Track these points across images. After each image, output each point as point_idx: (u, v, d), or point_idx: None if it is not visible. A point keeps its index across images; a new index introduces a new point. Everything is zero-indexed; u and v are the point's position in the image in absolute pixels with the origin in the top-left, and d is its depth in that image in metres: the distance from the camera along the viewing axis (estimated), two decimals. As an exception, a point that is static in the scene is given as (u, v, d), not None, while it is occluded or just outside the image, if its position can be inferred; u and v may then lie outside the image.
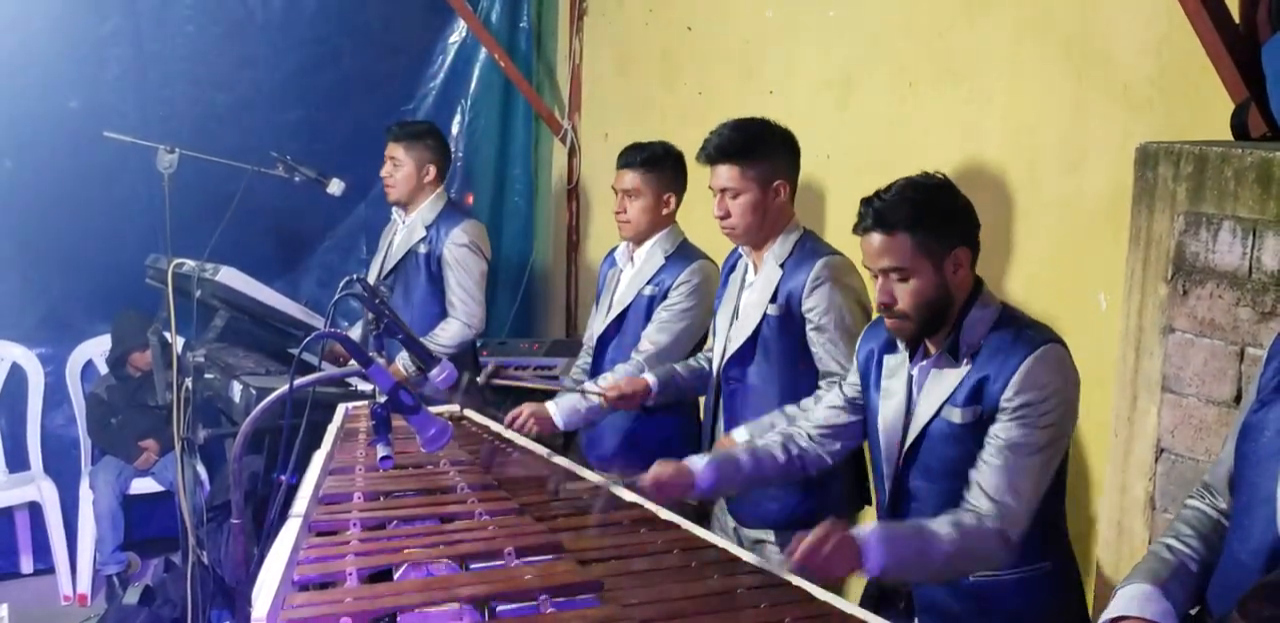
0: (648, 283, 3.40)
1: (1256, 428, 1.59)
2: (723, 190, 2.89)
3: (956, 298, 2.22)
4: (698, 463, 2.46)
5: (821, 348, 2.86)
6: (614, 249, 3.63)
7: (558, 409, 3.22)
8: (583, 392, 3.22)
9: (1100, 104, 2.67)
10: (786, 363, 2.90)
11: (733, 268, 3.11)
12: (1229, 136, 2.14)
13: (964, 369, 2.21)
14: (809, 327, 2.87)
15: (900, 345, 2.35)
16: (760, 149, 2.88)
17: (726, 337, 3.01)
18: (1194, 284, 1.90)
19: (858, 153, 3.44)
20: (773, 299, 2.90)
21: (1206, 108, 2.31)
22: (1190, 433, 1.91)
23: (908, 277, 2.18)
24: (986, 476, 2.11)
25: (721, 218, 2.91)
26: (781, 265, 2.91)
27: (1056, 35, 2.78)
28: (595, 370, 3.52)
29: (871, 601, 2.45)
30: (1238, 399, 1.83)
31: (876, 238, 2.19)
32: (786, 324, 2.89)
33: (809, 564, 2.06)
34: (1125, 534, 2.02)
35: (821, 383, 2.87)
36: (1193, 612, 1.69)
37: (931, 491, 2.29)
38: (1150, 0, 2.45)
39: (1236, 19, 2.13)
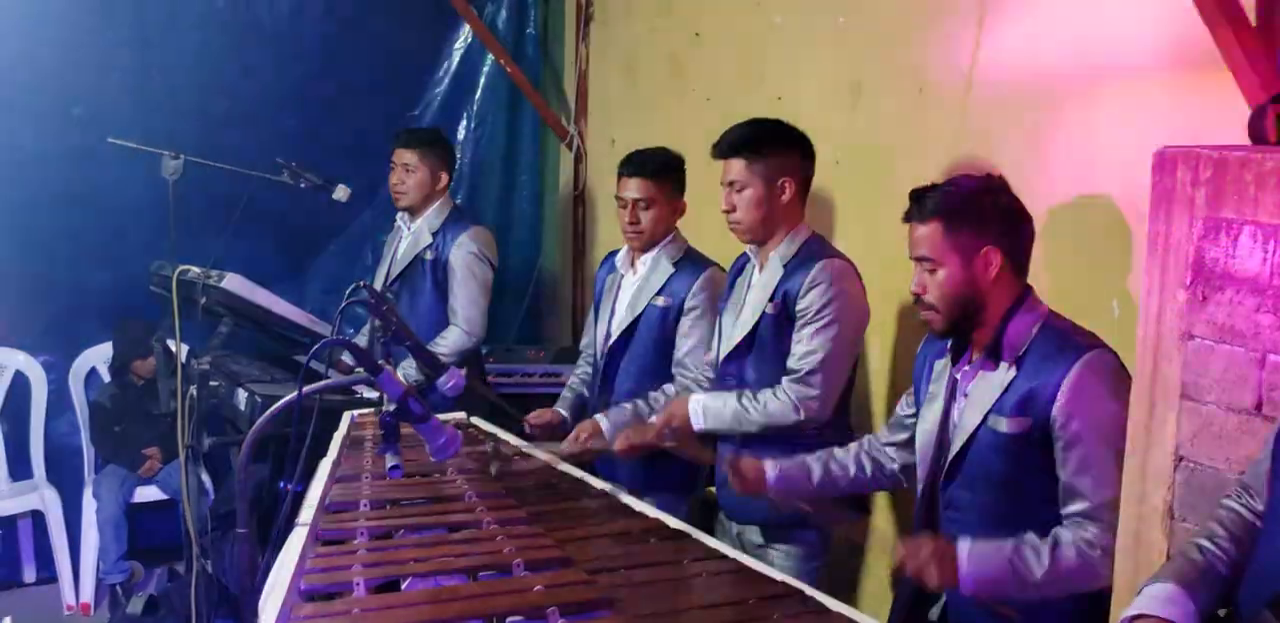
0: (658, 294, 3.35)
1: None
2: (730, 184, 2.93)
3: (989, 298, 2.25)
4: (770, 467, 2.58)
5: (798, 344, 2.85)
6: (613, 254, 3.59)
7: (609, 424, 3.19)
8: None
9: (1115, 108, 2.64)
10: (781, 361, 2.89)
11: (740, 272, 3.11)
12: (1246, 140, 2.11)
13: (1008, 374, 2.22)
14: (797, 322, 2.87)
15: (947, 350, 2.37)
16: (769, 145, 2.92)
17: (729, 334, 3.01)
18: (1213, 290, 1.88)
19: (866, 159, 3.42)
20: (771, 298, 2.90)
21: (1220, 112, 2.28)
22: (1210, 441, 1.88)
23: (936, 268, 2.25)
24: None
25: (727, 212, 2.94)
26: (785, 265, 2.91)
27: (1068, 38, 2.75)
28: (608, 382, 3.45)
29: (903, 610, 2.43)
30: (1259, 407, 1.80)
31: (915, 227, 2.29)
32: (782, 323, 2.89)
33: (913, 566, 2.12)
34: (1143, 545, 1.99)
35: (784, 379, 2.86)
36: (1222, 613, 1.66)
37: (973, 502, 2.27)
38: (1164, 2, 2.43)
39: (1253, 21, 2.11)
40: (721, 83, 4.16)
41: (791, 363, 2.86)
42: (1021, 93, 2.90)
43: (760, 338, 2.93)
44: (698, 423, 2.93)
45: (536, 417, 3.50)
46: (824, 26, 3.59)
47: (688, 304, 3.31)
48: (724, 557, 2.25)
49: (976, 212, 2.24)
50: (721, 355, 3.02)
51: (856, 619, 1.93)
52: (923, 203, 2.27)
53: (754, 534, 3.00)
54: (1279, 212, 1.79)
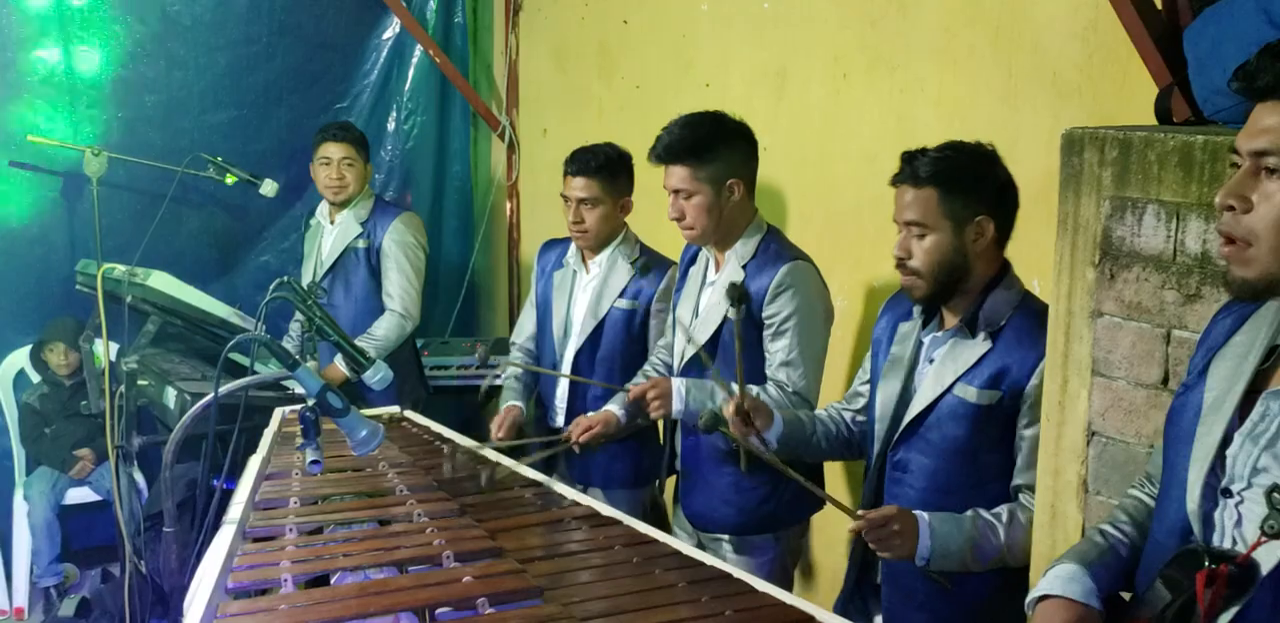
0: (621, 296, 3.29)
1: (1179, 411, 1.61)
2: (675, 191, 2.80)
3: (974, 267, 2.24)
4: (776, 415, 2.49)
5: (775, 354, 2.79)
6: (554, 243, 3.54)
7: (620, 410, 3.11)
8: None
9: (1030, 91, 2.68)
10: (745, 364, 2.83)
11: (692, 260, 3.03)
12: (1154, 121, 2.16)
13: (982, 346, 2.22)
14: (767, 331, 2.79)
15: (916, 313, 2.36)
16: (711, 148, 2.78)
17: (688, 337, 2.94)
18: (1121, 268, 1.92)
19: (795, 144, 3.44)
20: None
21: (1132, 93, 2.33)
22: (1120, 416, 1.92)
23: (925, 233, 2.22)
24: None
25: (677, 219, 2.82)
26: (744, 267, 2.82)
27: (986, 24, 2.79)
28: (575, 388, 3.36)
29: (855, 571, 2.45)
30: (1165, 381, 1.85)
31: (907, 191, 2.24)
32: (746, 328, 2.76)
33: (874, 536, 2.11)
34: (1059, 518, 2.04)
35: (769, 384, 2.81)
36: (1125, 596, 1.70)
37: (924, 467, 2.27)
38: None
39: (1159, 5, 2.15)
40: (651, 70, 4.16)
41: (775, 374, 2.78)
42: (941, 76, 2.94)
43: (724, 343, 2.83)
44: (679, 406, 2.81)
45: (500, 419, 3.38)
46: (750, 12, 3.61)
47: (654, 307, 3.27)
48: (654, 542, 2.26)
49: (974, 179, 2.22)
50: (684, 359, 2.95)
51: (783, 599, 1.95)
52: (918, 167, 2.21)
53: (719, 539, 2.95)
54: (1181, 190, 1.83)
